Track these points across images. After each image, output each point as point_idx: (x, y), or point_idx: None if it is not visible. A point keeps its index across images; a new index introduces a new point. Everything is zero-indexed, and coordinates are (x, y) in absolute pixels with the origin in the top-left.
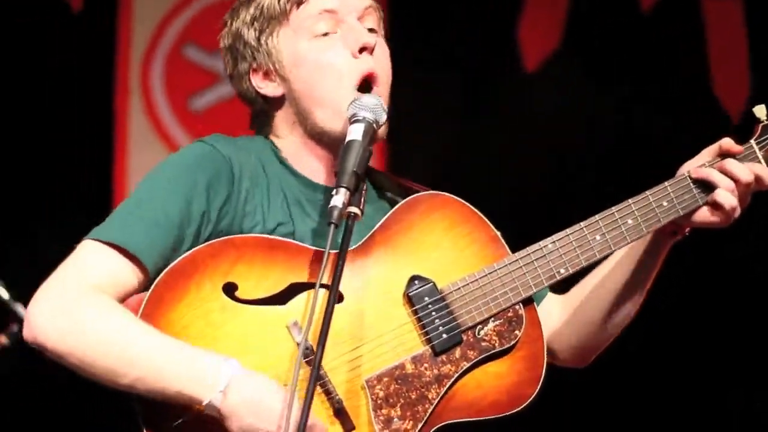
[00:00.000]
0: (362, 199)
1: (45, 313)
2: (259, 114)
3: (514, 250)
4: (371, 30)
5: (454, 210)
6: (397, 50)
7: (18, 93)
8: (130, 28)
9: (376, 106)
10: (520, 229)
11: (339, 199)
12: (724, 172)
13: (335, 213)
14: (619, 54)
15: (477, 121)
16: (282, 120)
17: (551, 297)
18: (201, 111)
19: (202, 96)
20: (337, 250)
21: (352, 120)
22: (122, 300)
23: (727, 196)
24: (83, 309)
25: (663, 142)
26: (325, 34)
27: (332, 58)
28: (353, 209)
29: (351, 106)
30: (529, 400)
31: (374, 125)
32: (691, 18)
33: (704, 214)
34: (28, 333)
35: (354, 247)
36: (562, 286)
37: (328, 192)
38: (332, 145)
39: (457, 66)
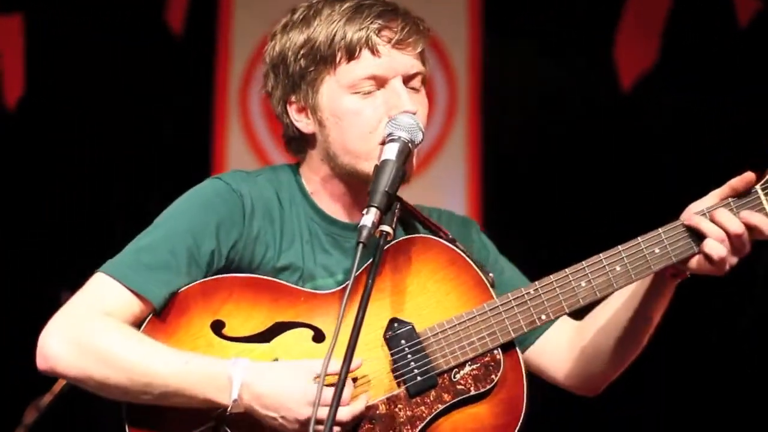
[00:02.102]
0: (394, 219)
1: (59, 340)
2: (292, 140)
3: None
4: (414, 89)
5: (440, 254)
6: (495, 66)
7: (120, 115)
8: (228, 51)
9: (411, 125)
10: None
11: (369, 218)
12: (714, 222)
13: (365, 232)
14: (716, 67)
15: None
16: (312, 153)
17: (565, 322)
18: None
19: None
20: (325, 291)
21: (388, 140)
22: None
23: (714, 246)
24: (96, 333)
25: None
26: (368, 93)
27: (369, 117)
28: (385, 228)
29: (387, 126)
30: None
31: (410, 145)
32: None
33: (698, 262)
34: (42, 363)
35: (339, 288)
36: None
37: (347, 229)
38: (358, 185)
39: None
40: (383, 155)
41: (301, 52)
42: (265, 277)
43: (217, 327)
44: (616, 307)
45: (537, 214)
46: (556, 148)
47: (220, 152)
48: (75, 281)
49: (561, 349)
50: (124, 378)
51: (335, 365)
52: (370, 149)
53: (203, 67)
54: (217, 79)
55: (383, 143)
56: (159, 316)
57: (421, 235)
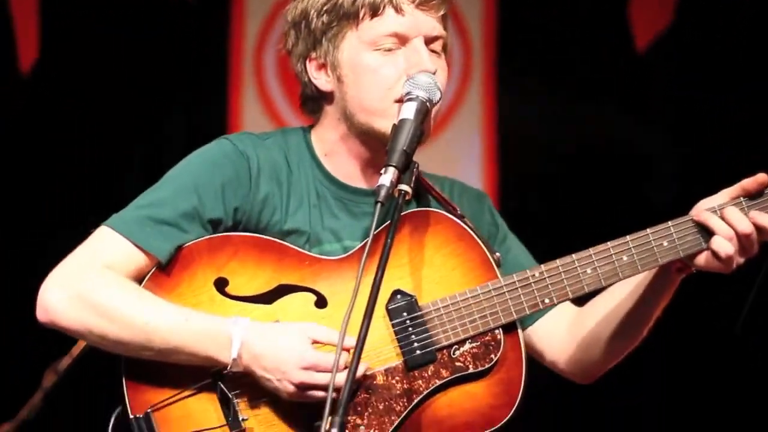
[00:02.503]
0: (413, 178)
1: (59, 293)
2: (309, 99)
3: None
4: (435, 52)
5: (448, 229)
6: (509, 32)
7: (134, 80)
8: (243, 17)
9: (430, 84)
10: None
11: (387, 177)
12: (724, 220)
13: (383, 192)
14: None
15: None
16: (329, 113)
17: (567, 307)
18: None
19: None
20: (329, 257)
21: (406, 98)
22: (133, 281)
23: (723, 244)
24: (97, 287)
25: None
26: (389, 50)
27: (387, 74)
28: (404, 187)
29: (406, 85)
30: (501, 423)
31: (428, 104)
32: None
33: (705, 259)
34: (42, 314)
35: (347, 254)
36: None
37: (358, 193)
38: (374, 145)
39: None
40: (401, 114)
41: (325, 8)
42: (272, 239)
43: (221, 284)
44: (619, 296)
45: (552, 185)
46: (571, 116)
47: (236, 115)
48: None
49: (560, 334)
50: (124, 333)
51: (339, 336)
52: (386, 107)
53: (218, 30)
54: (231, 41)
55: (400, 101)
56: (163, 269)
57: (431, 209)
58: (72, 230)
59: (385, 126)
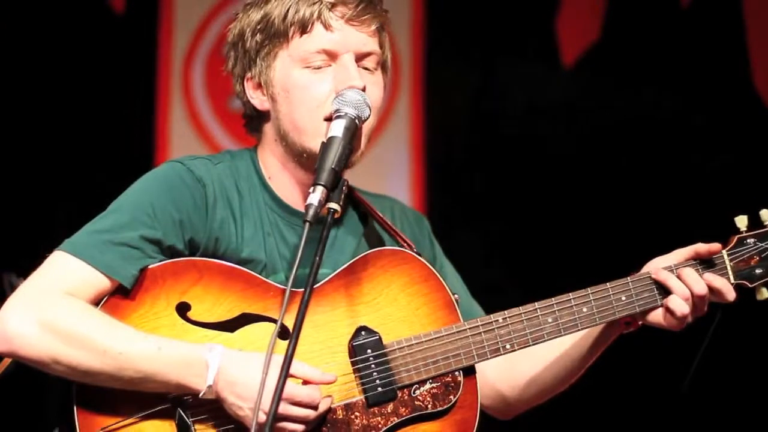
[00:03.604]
0: (341, 196)
1: (21, 321)
2: (250, 119)
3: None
4: (367, 69)
5: (415, 269)
6: (435, 41)
7: (59, 94)
8: (171, 30)
9: (358, 101)
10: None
11: (315, 197)
12: (681, 280)
13: (311, 211)
14: (657, 48)
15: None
16: (267, 133)
17: None
18: (241, 111)
19: None
20: (301, 289)
21: (335, 116)
22: (93, 305)
23: (679, 304)
24: (65, 314)
25: (699, 140)
26: (318, 68)
27: (317, 91)
28: (332, 205)
29: (334, 102)
30: None
31: (356, 121)
32: (730, 11)
33: (658, 316)
34: (2, 344)
35: (316, 286)
36: None
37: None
38: (311, 165)
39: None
40: (330, 132)
41: (258, 27)
42: (237, 267)
43: (183, 309)
44: (559, 342)
45: (481, 197)
46: (498, 129)
47: (163, 132)
48: (15, 264)
49: (489, 370)
50: (95, 362)
51: (303, 367)
52: (317, 125)
53: (145, 46)
54: (159, 57)
55: (329, 119)
56: (123, 291)
57: (397, 248)
58: None
59: (315, 145)
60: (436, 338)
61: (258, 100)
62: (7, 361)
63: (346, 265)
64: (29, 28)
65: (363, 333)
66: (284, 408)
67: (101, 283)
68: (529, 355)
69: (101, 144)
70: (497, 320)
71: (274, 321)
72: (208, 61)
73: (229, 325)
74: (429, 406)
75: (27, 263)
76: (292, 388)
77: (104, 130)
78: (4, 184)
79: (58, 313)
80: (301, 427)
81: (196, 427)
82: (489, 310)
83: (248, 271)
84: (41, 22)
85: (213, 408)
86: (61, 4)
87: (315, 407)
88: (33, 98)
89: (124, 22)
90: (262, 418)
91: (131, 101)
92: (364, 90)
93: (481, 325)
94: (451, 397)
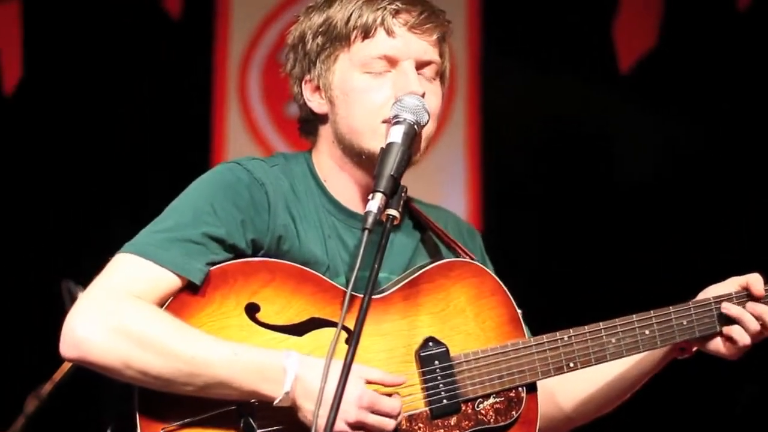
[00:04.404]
0: (401, 203)
1: (92, 326)
2: (306, 121)
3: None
4: (426, 77)
5: (484, 282)
6: (492, 52)
7: (117, 100)
8: (227, 36)
9: (417, 107)
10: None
11: (374, 204)
12: (755, 315)
13: (370, 218)
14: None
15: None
16: (324, 136)
17: None
18: (297, 117)
19: None
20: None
21: (393, 122)
22: (160, 306)
23: (742, 334)
24: (137, 318)
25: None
26: (378, 73)
27: (376, 96)
28: (391, 212)
29: (393, 107)
30: None
31: (415, 127)
32: None
33: (717, 344)
34: (70, 350)
35: (382, 295)
36: None
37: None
38: (369, 167)
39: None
40: (389, 138)
41: (320, 30)
42: (309, 270)
43: (252, 310)
44: (613, 364)
45: (539, 209)
46: (558, 138)
47: (219, 137)
48: (74, 271)
49: (543, 389)
50: (168, 366)
51: (377, 373)
52: (374, 127)
53: (202, 51)
54: (216, 63)
55: (388, 122)
56: (191, 289)
57: (468, 260)
58: (53, 256)
59: (373, 146)
60: (502, 353)
61: (316, 102)
62: (66, 365)
63: (414, 275)
64: (87, 34)
65: (431, 344)
66: (364, 416)
67: (168, 281)
68: (577, 377)
69: (158, 150)
70: (562, 338)
71: (343, 327)
72: (265, 66)
73: (298, 329)
74: (491, 420)
75: (85, 270)
76: (374, 397)
77: (161, 135)
78: (60, 190)
79: (129, 316)
80: None
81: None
82: (538, 324)
83: (319, 274)
84: (99, 29)
85: (278, 414)
86: (119, 10)
87: (394, 417)
88: (91, 104)
89: (181, 28)
90: (342, 426)
91: (188, 107)
92: (423, 96)
93: (547, 342)
94: (514, 412)
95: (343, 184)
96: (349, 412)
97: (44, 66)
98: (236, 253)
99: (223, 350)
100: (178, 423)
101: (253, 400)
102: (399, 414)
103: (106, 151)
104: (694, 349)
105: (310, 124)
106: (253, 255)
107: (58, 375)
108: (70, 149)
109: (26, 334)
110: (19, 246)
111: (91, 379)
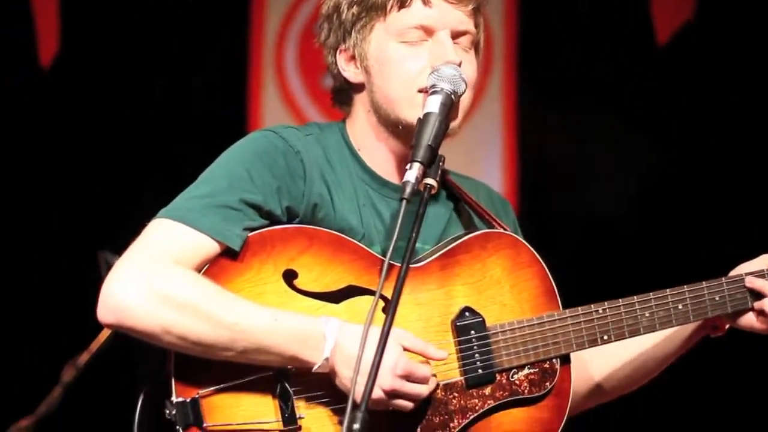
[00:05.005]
0: (438, 172)
1: (131, 290)
2: (339, 91)
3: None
4: (462, 48)
5: (520, 253)
6: (530, 26)
7: (155, 74)
8: (263, 9)
9: (454, 76)
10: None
11: (412, 174)
12: None
13: (408, 188)
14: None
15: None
16: (359, 105)
17: None
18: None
19: None
20: (399, 264)
21: (431, 91)
22: (198, 272)
23: None
24: (177, 283)
25: None
26: (415, 42)
27: (412, 65)
28: (429, 181)
29: (430, 77)
30: None
31: (452, 96)
32: None
33: (749, 319)
34: (108, 315)
35: (419, 265)
36: None
37: (399, 191)
38: (406, 136)
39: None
40: (426, 108)
41: (355, 0)
42: (346, 237)
43: (290, 276)
44: (643, 342)
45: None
46: (591, 113)
47: (256, 110)
48: (111, 242)
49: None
50: (209, 332)
51: (418, 342)
52: (411, 96)
53: (238, 25)
54: (252, 36)
55: (425, 92)
56: (229, 254)
57: (504, 232)
58: (89, 227)
59: (410, 115)
60: (537, 324)
61: (351, 72)
62: (103, 335)
63: (451, 246)
64: (124, 6)
65: (467, 314)
66: (400, 384)
67: (206, 247)
68: (605, 353)
69: (194, 122)
70: (597, 311)
71: (382, 295)
72: (301, 39)
73: (335, 296)
74: (525, 391)
75: (120, 240)
76: (410, 364)
77: (197, 108)
78: (93, 162)
79: (168, 281)
80: (410, 404)
81: (296, 398)
82: (570, 300)
83: (356, 242)
84: (136, 6)
85: (313, 380)
86: None
87: (428, 383)
88: (127, 76)
89: (218, 1)
90: (378, 393)
91: (224, 80)
92: (459, 65)
93: (582, 314)
94: (547, 383)
95: (377, 153)
96: (385, 378)
97: (81, 40)
98: (272, 220)
99: (263, 316)
100: (213, 388)
101: (290, 367)
102: (433, 382)
103: (142, 123)
104: (727, 326)
105: (344, 93)
106: (289, 222)
107: (95, 345)
108: (105, 121)
109: (63, 306)
110: (55, 218)
111: (128, 347)
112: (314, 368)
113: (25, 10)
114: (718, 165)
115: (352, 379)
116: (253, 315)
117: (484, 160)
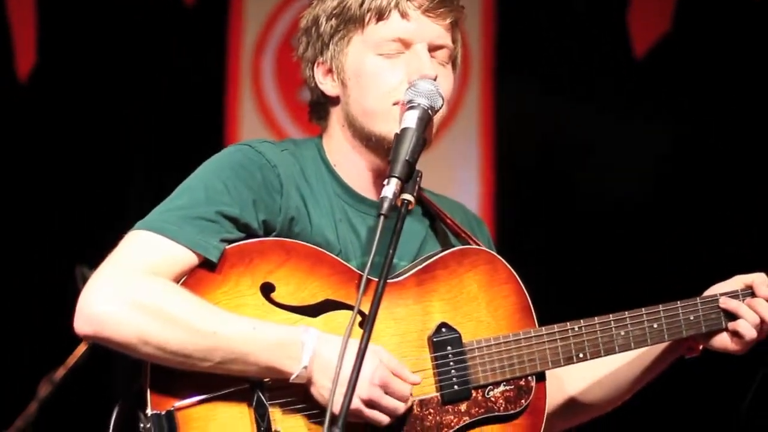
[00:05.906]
0: (416, 187)
1: (109, 301)
2: (317, 105)
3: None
4: (439, 62)
5: (497, 270)
6: (506, 38)
7: (130, 85)
8: (241, 21)
9: (431, 91)
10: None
11: (390, 189)
12: (752, 309)
13: (386, 204)
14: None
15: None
16: (334, 119)
17: None
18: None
19: None
20: (377, 279)
21: (408, 107)
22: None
23: (748, 328)
24: (156, 293)
25: None
26: (392, 55)
27: (389, 78)
28: (407, 196)
29: (407, 92)
30: None
31: (429, 111)
32: None
33: (723, 340)
34: (85, 326)
35: (396, 280)
36: None
37: (375, 207)
38: (379, 150)
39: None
40: (403, 123)
41: (333, 12)
42: (324, 251)
43: (267, 289)
44: (611, 360)
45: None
46: (573, 124)
47: (233, 123)
48: (89, 255)
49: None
50: (187, 341)
51: (395, 363)
52: (386, 109)
53: (215, 37)
54: (229, 48)
55: (400, 105)
56: (206, 267)
57: (482, 248)
58: (68, 238)
59: (384, 129)
60: (514, 341)
61: (328, 85)
62: (79, 350)
63: (428, 261)
64: (101, 20)
65: (444, 330)
66: (378, 394)
67: (183, 258)
68: (581, 371)
69: (170, 134)
70: (573, 329)
71: (359, 310)
72: (278, 52)
73: (312, 310)
74: (501, 408)
75: (99, 255)
76: (387, 376)
77: (173, 120)
78: (71, 176)
79: (145, 290)
80: (386, 418)
81: (272, 410)
82: (546, 316)
83: (334, 256)
84: (112, 15)
85: (290, 392)
86: None
87: (406, 401)
88: (104, 88)
89: (194, 13)
90: (355, 402)
91: (201, 92)
92: (435, 79)
93: (558, 332)
94: (523, 401)
95: (353, 168)
96: (362, 387)
97: (58, 52)
98: (248, 232)
99: (242, 325)
100: (189, 400)
101: (266, 378)
102: (409, 397)
103: (119, 136)
104: (701, 347)
105: (320, 107)
106: (265, 236)
107: (71, 359)
108: (83, 134)
109: (39, 321)
110: (32, 232)
111: (103, 361)
112: (292, 377)
113: (2, 23)
114: (717, 165)
115: (330, 388)
116: (232, 324)
117: (460, 172)
